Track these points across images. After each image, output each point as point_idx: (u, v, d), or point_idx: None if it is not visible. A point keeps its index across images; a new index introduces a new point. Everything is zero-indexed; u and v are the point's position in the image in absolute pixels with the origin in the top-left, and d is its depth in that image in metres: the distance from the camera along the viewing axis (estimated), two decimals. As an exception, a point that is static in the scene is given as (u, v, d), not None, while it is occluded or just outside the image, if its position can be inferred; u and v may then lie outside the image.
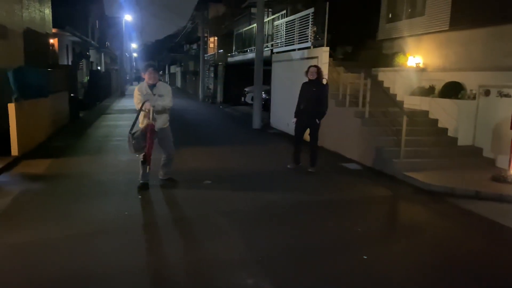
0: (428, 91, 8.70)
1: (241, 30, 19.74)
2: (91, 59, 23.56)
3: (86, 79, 18.89)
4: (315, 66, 6.83)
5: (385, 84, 9.41)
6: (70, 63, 17.26)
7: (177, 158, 7.76)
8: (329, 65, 9.33)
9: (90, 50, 23.29)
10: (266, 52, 13.07)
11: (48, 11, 11.99)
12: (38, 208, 4.68)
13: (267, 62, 12.87)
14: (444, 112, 7.94)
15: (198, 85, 27.81)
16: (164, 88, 5.38)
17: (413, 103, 8.75)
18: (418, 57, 9.26)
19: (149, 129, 5.07)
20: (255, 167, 7.14)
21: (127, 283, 3.14)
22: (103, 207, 4.79)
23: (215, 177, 6.24)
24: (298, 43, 10.72)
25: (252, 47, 16.99)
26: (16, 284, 3.09)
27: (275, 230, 4.27)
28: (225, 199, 5.22)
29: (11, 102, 6.83)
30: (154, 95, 5.19)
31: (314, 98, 6.60)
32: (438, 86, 8.45)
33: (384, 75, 9.74)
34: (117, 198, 5.12)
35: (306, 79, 6.81)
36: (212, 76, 24.43)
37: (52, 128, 9.49)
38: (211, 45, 28.37)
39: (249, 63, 16.07)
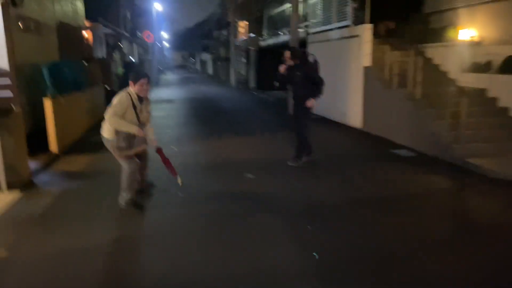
0: (485, 67, 7.89)
1: (272, 13, 19.11)
2: (124, 50, 23.71)
3: (119, 70, 18.96)
4: (288, 49, 6.12)
5: (435, 61, 8.67)
6: (104, 55, 17.34)
7: (213, 150, 7.53)
8: (373, 43, 8.68)
9: (123, 41, 23.42)
10: (301, 33, 12.46)
11: (80, 4, 11.93)
12: (79, 210, 4.50)
13: (302, 44, 12.27)
14: (505, 90, 7.16)
15: (229, 71, 27.47)
16: (150, 104, 4.57)
17: (467, 81, 7.97)
18: (471, 30, 8.41)
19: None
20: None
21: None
22: (146, 207, 4.54)
23: (257, 169, 5.89)
24: (337, 22, 10.07)
25: (285, 29, 16.37)
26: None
27: (330, 231, 3.86)
28: (270, 195, 4.86)
29: (47, 98, 6.73)
30: (142, 110, 4.32)
31: (299, 82, 5.93)
32: (497, 61, 7.62)
33: (433, 52, 8.96)
34: (159, 196, 4.87)
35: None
36: (244, 61, 23.99)
37: (89, 123, 9.44)
38: (241, 30, 27.79)
39: (283, 46, 15.50)
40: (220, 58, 34.63)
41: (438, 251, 3.42)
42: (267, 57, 20.54)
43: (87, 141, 8.33)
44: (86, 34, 13.37)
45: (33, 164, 5.83)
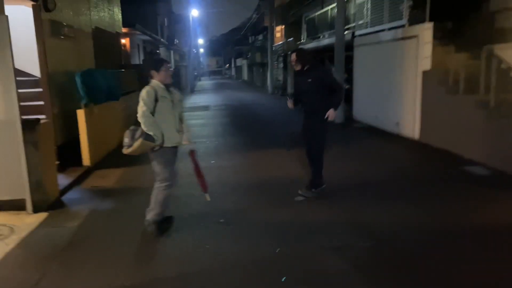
0: None
1: (312, 15, 18.36)
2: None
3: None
4: (294, 51, 4.93)
5: (507, 64, 7.60)
6: (141, 62, 17.22)
7: (254, 163, 6.86)
8: (433, 45, 7.74)
9: (160, 48, 23.42)
10: (346, 36, 11.62)
11: (117, 10, 11.68)
12: (107, 237, 3.95)
13: (347, 47, 11.43)
14: None
15: (266, 77, 26.88)
16: (178, 92, 4.02)
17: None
18: (551, 27, 7.31)
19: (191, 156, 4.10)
20: (352, 176, 5.83)
21: None
22: (180, 237, 3.91)
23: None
24: (389, 22, 9.19)
25: (325, 33, 15.56)
26: None
27: (406, 277, 3.07)
28: (329, 226, 4.08)
29: (80, 108, 6.33)
30: (173, 101, 3.83)
31: (311, 91, 4.77)
32: None
33: (502, 53, 7.88)
34: (197, 222, 4.24)
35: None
36: (281, 66, 23.34)
37: (124, 132, 9.05)
38: (278, 34, 27.19)
39: (324, 50, 14.68)
40: (256, 64, 34.19)
41: None
42: (306, 62, 19.78)
43: (122, 153, 7.91)
44: (123, 40, 13.17)
45: (62, 179, 5.40)
